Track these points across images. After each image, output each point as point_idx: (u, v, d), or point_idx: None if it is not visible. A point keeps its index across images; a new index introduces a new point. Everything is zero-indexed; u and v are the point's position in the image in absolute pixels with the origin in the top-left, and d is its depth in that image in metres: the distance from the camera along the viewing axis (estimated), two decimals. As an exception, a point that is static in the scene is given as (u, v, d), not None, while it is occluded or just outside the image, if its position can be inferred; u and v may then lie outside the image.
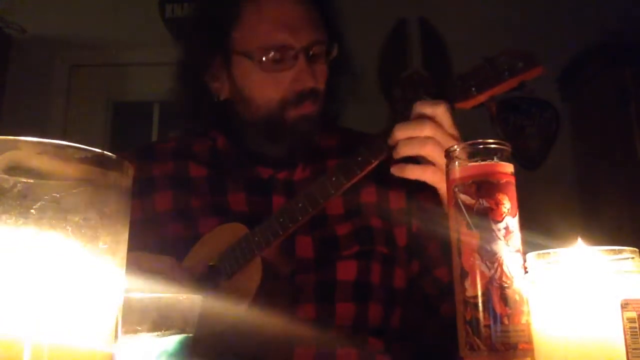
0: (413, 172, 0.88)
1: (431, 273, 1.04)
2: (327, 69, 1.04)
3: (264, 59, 0.98)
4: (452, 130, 0.87)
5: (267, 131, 1.04)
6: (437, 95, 0.92)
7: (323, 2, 1.07)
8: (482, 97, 0.90)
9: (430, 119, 0.87)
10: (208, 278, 0.96)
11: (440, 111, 0.87)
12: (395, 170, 0.89)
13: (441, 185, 0.86)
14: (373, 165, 0.91)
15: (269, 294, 0.92)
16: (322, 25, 1.04)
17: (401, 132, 0.88)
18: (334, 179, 0.92)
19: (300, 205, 0.92)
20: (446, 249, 0.95)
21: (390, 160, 0.91)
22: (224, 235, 0.98)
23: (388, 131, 0.90)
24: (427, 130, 0.86)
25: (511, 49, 0.90)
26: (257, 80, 1.01)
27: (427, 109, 0.88)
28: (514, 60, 0.88)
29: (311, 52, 1.00)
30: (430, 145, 0.86)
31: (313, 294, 0.98)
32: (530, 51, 0.89)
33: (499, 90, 0.89)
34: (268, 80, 1.00)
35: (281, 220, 0.93)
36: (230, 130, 1.11)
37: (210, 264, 0.97)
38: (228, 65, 1.04)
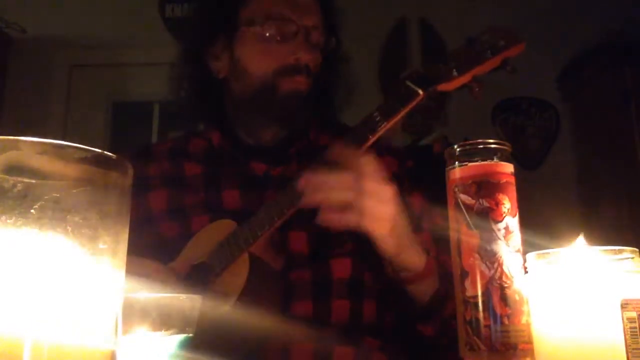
0: (336, 222, 0.83)
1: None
2: (322, 59, 1.07)
3: (266, 28, 1.03)
4: (375, 180, 0.82)
5: (259, 105, 1.05)
6: (420, 79, 0.88)
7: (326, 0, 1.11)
8: (464, 78, 0.87)
9: (345, 165, 0.83)
10: (195, 277, 0.95)
11: (363, 162, 0.83)
12: (319, 221, 0.84)
13: (374, 231, 0.84)
14: None
15: (257, 290, 0.91)
16: (323, 18, 1.09)
17: (304, 180, 0.85)
18: None
19: (286, 198, 0.91)
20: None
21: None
22: (214, 233, 0.97)
23: (368, 122, 0.88)
24: (332, 179, 0.82)
25: (493, 27, 0.87)
26: (256, 51, 1.05)
27: (342, 157, 0.84)
28: (496, 39, 0.85)
29: (310, 35, 1.04)
30: (336, 191, 0.82)
31: (310, 291, 0.98)
32: (512, 28, 0.87)
33: (481, 69, 0.86)
34: (266, 51, 1.04)
35: (268, 213, 0.91)
36: (225, 122, 1.13)
37: (196, 262, 0.97)
38: (231, 42, 1.07)
